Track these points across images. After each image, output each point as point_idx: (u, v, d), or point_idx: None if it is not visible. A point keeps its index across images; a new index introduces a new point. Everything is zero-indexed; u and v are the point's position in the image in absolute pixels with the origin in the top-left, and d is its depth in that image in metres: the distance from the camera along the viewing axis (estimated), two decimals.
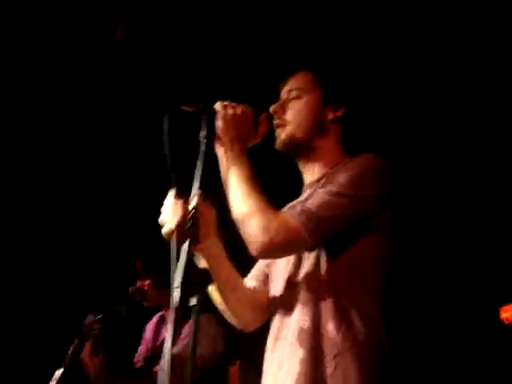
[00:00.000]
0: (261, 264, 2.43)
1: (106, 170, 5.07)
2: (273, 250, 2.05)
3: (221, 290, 2.29)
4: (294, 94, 2.33)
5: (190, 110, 2.13)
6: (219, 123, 2.11)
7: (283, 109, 2.32)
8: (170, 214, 2.02)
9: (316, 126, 2.29)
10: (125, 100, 4.66)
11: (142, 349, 4.08)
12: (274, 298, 2.29)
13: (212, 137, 2.13)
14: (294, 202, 2.28)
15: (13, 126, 4.83)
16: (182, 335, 3.60)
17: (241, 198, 2.06)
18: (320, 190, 2.09)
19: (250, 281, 2.42)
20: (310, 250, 2.11)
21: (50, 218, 5.10)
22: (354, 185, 2.06)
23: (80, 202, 5.12)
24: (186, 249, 1.89)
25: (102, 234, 5.10)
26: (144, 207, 4.95)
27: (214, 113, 2.17)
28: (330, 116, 2.31)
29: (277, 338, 2.21)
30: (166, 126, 2.04)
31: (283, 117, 2.30)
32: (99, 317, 3.75)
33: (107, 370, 3.75)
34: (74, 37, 4.37)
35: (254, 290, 2.38)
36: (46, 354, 4.46)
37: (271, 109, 2.33)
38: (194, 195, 2.01)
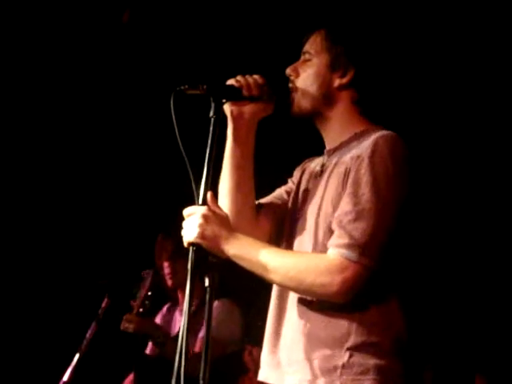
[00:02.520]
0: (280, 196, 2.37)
1: (120, 156, 5.06)
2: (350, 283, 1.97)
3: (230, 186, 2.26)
4: (306, 56, 2.25)
5: (197, 92, 2.10)
6: (205, 242, 2.01)
7: (296, 72, 2.25)
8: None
9: (322, 94, 2.20)
10: (132, 85, 4.64)
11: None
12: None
13: (220, 115, 2.11)
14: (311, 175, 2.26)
15: (12, 118, 4.82)
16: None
17: (277, 268, 2.02)
18: (350, 210, 2.00)
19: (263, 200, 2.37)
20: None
21: (64, 203, 5.10)
22: (381, 195, 1.99)
23: (94, 187, 5.12)
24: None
25: (115, 219, 5.09)
26: (159, 192, 4.99)
27: (221, 90, 2.14)
28: (337, 83, 2.21)
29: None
30: (172, 111, 2.04)
31: (295, 81, 2.24)
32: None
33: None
34: (80, 23, 4.35)
35: (259, 206, 2.32)
36: (62, 339, 4.48)
37: (287, 71, 2.27)
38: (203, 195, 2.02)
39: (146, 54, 4.50)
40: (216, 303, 3.73)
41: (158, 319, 4.10)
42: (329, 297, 2.00)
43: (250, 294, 3.64)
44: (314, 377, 2.01)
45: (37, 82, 4.70)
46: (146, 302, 3.74)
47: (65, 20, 4.39)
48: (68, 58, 4.55)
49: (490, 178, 4.53)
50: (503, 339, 4.79)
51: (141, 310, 3.70)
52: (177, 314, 4.05)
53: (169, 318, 4.11)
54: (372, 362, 1.98)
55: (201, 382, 1.90)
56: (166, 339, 3.69)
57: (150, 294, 3.75)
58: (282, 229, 2.29)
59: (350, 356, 1.98)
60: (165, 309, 4.18)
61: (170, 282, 3.99)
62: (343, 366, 1.98)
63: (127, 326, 3.66)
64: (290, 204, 2.31)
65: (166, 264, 3.96)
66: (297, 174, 2.39)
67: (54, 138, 4.94)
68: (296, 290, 2.08)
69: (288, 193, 2.35)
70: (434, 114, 4.52)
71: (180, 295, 4.02)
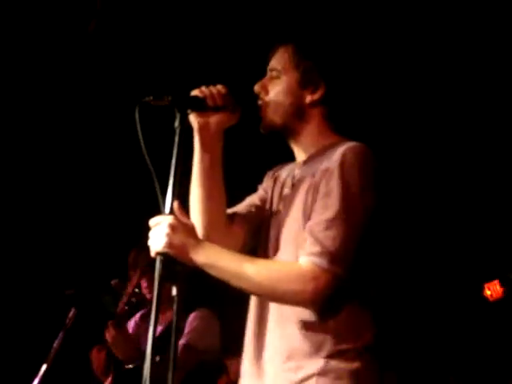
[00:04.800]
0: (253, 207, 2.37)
1: (87, 165, 5.04)
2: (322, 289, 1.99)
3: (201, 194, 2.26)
4: (274, 73, 2.27)
5: (161, 103, 2.11)
6: (173, 251, 2.00)
7: (265, 89, 2.27)
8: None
9: (294, 111, 2.23)
10: (99, 94, 4.62)
11: None
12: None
13: (186, 125, 2.12)
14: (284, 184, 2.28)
15: None
16: (186, 330, 3.66)
17: (250, 276, 2.02)
18: (321, 220, 2.03)
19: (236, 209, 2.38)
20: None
21: (29, 212, 5.07)
22: (350, 205, 2.02)
23: (62, 196, 5.09)
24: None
25: (82, 228, 5.07)
26: (127, 200, 4.98)
27: (186, 100, 2.15)
28: (308, 99, 2.23)
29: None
30: (138, 123, 2.05)
31: (265, 98, 2.25)
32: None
33: (135, 346, 3.65)
34: (47, 30, 4.32)
35: (232, 216, 2.32)
36: (29, 350, 4.45)
37: (255, 88, 2.28)
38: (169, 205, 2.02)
39: (111, 63, 4.49)
40: (195, 313, 3.77)
41: (130, 326, 4.07)
42: (301, 304, 2.02)
43: (224, 303, 3.66)
44: None
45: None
46: (133, 299, 3.74)
47: (30, 27, 4.36)
48: (32, 68, 4.53)
49: (455, 189, 4.61)
50: (474, 342, 4.85)
51: (126, 307, 3.70)
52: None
53: (143, 326, 4.08)
54: (346, 367, 2.01)
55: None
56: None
57: (136, 290, 3.75)
58: (257, 238, 2.30)
59: (326, 364, 2.01)
60: (138, 316, 4.15)
61: (149, 296, 3.97)
62: (319, 374, 2.01)
63: (107, 335, 3.64)
64: (264, 214, 2.32)
65: (142, 280, 3.93)
66: (268, 182, 2.41)
67: (17, 151, 4.91)
68: (269, 298, 2.10)
69: (261, 200, 2.37)
70: (404, 127, 4.59)
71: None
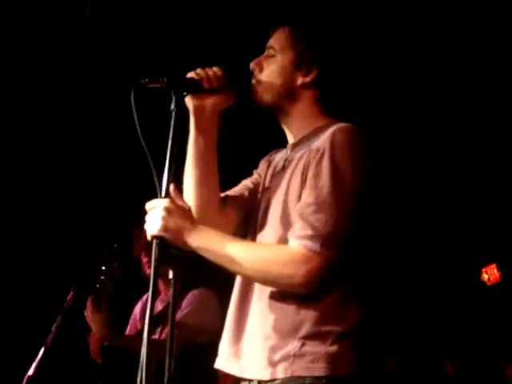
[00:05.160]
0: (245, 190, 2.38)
1: (83, 150, 5.03)
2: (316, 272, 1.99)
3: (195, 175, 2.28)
4: (271, 51, 2.28)
5: (156, 86, 2.11)
6: (168, 234, 2.02)
7: (260, 66, 2.27)
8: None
9: (285, 92, 2.24)
10: (95, 77, 4.62)
11: (130, 329, 4.07)
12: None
13: (182, 108, 2.11)
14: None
15: None
16: (183, 306, 3.71)
17: (242, 260, 2.03)
18: (311, 201, 2.02)
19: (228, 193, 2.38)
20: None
21: (27, 197, 5.07)
22: (341, 186, 2.02)
23: (58, 180, 5.09)
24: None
25: (79, 211, 5.07)
26: (123, 186, 4.98)
27: (181, 83, 2.15)
28: (300, 81, 2.24)
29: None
30: (133, 106, 2.05)
31: (258, 76, 2.26)
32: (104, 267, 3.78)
33: (109, 326, 3.73)
34: (42, 14, 4.31)
35: (225, 199, 2.34)
36: (27, 333, 4.46)
37: (251, 65, 2.28)
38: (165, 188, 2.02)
39: (106, 46, 4.48)
40: (192, 292, 3.81)
41: (137, 308, 4.11)
42: (293, 288, 2.01)
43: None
44: (269, 366, 2.04)
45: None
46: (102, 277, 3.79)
47: (26, 12, 4.35)
48: (28, 52, 4.51)
49: (445, 175, 4.62)
50: (472, 327, 4.86)
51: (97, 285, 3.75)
52: (157, 302, 4.05)
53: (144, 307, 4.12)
54: (323, 350, 2.00)
55: (166, 372, 1.93)
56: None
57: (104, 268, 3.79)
58: (248, 221, 2.31)
59: (302, 345, 2.01)
60: (145, 297, 4.18)
61: (148, 272, 4.00)
62: (295, 355, 2.01)
63: (86, 312, 3.73)
64: (256, 197, 2.33)
65: (142, 255, 3.96)
66: (263, 166, 2.41)
67: (12, 133, 4.90)
68: (261, 281, 2.10)
69: (254, 184, 2.37)
70: (395, 110, 4.59)
71: (160, 284, 4.03)
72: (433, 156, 4.86)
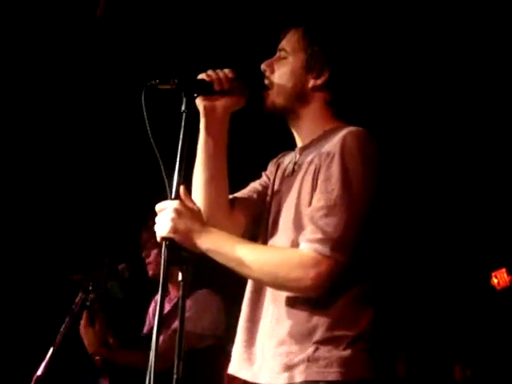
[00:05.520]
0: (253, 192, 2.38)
1: (92, 150, 5.04)
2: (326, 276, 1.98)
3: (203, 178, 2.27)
4: (282, 53, 2.27)
5: (168, 87, 2.11)
6: (178, 236, 2.02)
7: (272, 68, 2.27)
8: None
9: (296, 94, 2.23)
10: (106, 78, 4.62)
11: (147, 328, 4.06)
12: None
13: (192, 108, 2.11)
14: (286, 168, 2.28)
15: None
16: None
17: (251, 263, 2.03)
18: (322, 205, 2.01)
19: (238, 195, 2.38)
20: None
21: (36, 197, 5.08)
22: (351, 190, 2.01)
23: (67, 181, 5.10)
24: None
25: (88, 213, 5.08)
26: (133, 187, 4.98)
27: (192, 84, 2.15)
28: (311, 83, 2.23)
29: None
30: (144, 107, 2.05)
31: (270, 77, 2.25)
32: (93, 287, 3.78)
33: (101, 342, 3.74)
34: (54, 15, 4.32)
35: (233, 200, 2.33)
36: (36, 334, 4.47)
37: (262, 66, 2.28)
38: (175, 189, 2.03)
39: (119, 47, 4.49)
40: (194, 295, 3.72)
41: (151, 307, 4.10)
42: (302, 291, 2.01)
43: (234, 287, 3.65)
44: (283, 371, 2.03)
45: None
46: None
47: (38, 12, 4.36)
48: (39, 52, 4.53)
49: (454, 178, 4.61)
50: (481, 331, 4.85)
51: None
52: (165, 303, 4.04)
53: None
54: (336, 354, 2.00)
55: (174, 376, 1.92)
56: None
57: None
58: (258, 224, 2.30)
59: (316, 350, 2.00)
60: (157, 297, 4.17)
61: (150, 273, 3.99)
62: (308, 360, 2.00)
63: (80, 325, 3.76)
64: (266, 200, 2.32)
65: (155, 251, 3.94)
66: (272, 168, 2.40)
67: (21, 131, 4.91)
68: (270, 285, 2.09)
69: (263, 187, 2.36)
70: (407, 115, 4.59)
71: (170, 284, 4.02)
72: (443, 160, 4.85)
